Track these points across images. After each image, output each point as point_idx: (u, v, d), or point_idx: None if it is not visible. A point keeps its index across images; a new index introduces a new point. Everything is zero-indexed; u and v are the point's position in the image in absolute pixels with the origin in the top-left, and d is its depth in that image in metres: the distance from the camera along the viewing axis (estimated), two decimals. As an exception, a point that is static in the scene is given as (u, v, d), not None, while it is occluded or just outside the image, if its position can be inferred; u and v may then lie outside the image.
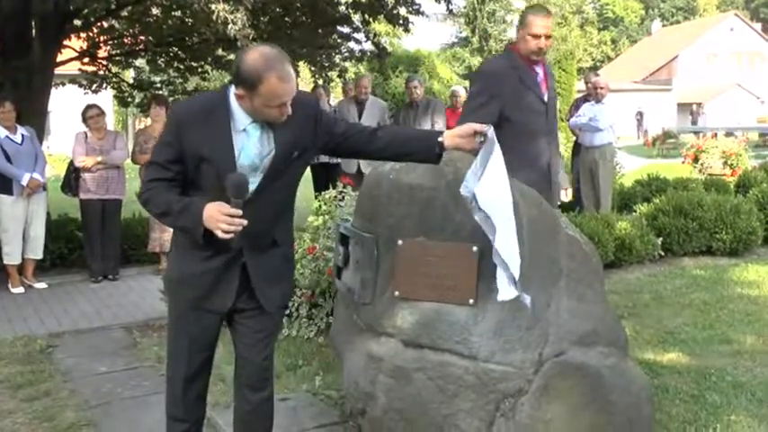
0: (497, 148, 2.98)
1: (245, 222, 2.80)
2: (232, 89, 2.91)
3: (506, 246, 2.95)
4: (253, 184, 2.93)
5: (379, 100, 10.27)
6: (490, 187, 2.94)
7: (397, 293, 3.30)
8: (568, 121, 10.89)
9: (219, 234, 2.79)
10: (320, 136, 3.08)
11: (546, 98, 4.50)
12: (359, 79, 9.96)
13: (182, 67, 11.82)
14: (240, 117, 2.91)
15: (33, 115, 8.45)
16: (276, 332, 3.29)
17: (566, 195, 5.31)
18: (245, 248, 2.99)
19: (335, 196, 6.10)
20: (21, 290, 7.54)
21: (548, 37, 4.39)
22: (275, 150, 2.94)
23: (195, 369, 3.15)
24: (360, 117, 9.40)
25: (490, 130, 3.00)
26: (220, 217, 2.79)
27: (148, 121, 9.12)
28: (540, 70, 4.50)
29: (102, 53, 11.42)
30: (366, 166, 8.80)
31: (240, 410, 3.24)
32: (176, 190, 2.96)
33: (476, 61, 42.83)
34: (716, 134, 24.37)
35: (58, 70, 9.87)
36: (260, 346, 3.15)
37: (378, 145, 3.12)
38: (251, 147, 2.95)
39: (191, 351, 3.13)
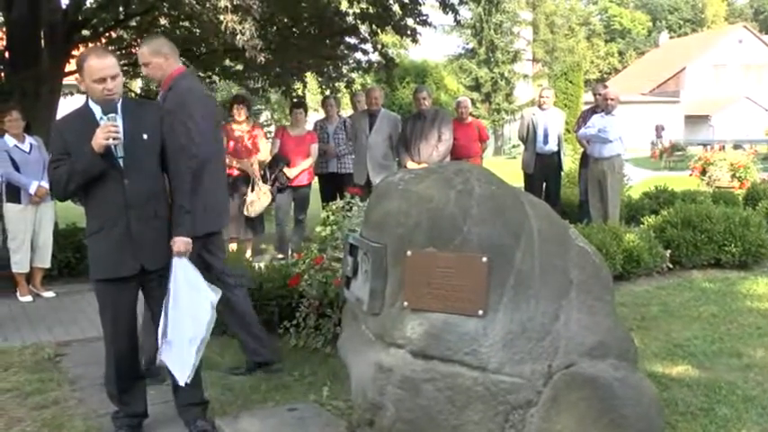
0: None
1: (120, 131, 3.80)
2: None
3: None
4: (122, 156, 3.87)
5: (392, 113, 10.18)
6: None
7: (406, 304, 3.29)
8: (576, 132, 10.89)
9: (110, 142, 3.75)
10: (164, 129, 4.05)
11: None
12: (370, 91, 9.81)
13: (189, 76, 11.82)
14: (96, 110, 3.91)
15: (41, 125, 8.47)
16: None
17: None
18: (131, 220, 3.90)
19: (343, 207, 6.09)
20: (29, 298, 7.57)
21: None
22: (126, 129, 3.88)
23: (120, 329, 4.08)
24: (370, 129, 9.35)
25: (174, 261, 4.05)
26: (101, 133, 3.75)
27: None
28: None
29: (110, 63, 11.45)
30: (375, 176, 8.80)
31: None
32: None
33: (482, 73, 42.66)
34: (723, 146, 24.36)
35: (66, 80, 9.88)
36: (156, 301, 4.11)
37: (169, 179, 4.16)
38: None
39: (114, 316, 4.05)
